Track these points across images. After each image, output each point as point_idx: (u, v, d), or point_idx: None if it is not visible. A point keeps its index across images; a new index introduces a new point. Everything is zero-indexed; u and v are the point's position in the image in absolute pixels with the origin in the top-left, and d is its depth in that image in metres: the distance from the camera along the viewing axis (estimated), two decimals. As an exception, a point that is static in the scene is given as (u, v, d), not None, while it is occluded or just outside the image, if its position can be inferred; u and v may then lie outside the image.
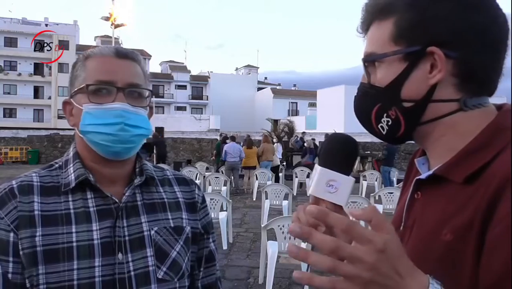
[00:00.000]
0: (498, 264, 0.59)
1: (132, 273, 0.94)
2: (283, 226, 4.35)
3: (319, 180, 0.76)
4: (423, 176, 0.77)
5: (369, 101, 0.79)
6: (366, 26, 0.80)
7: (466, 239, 0.64)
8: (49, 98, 48.52)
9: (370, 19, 0.79)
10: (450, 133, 0.74)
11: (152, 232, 0.99)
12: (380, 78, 0.76)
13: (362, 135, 19.53)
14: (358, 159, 17.42)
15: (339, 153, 0.78)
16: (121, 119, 0.95)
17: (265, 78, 70.93)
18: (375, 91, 0.77)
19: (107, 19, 29.17)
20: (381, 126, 0.78)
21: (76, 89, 0.98)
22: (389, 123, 0.76)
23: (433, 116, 0.74)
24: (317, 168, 0.76)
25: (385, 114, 0.76)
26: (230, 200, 6.79)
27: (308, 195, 0.78)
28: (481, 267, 0.61)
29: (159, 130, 15.07)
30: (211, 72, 60.54)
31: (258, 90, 58.02)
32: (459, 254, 0.64)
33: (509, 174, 0.61)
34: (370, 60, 0.78)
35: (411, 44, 0.72)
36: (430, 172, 0.75)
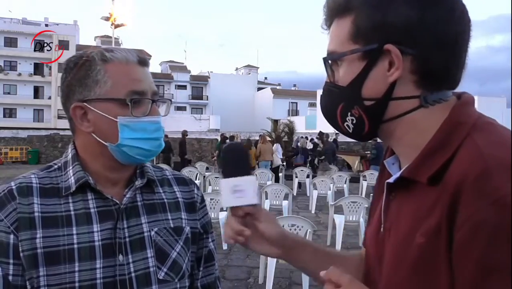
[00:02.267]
0: (470, 264, 0.59)
1: (133, 274, 0.94)
2: (283, 226, 4.34)
3: (225, 191, 0.82)
4: (391, 180, 0.76)
5: (333, 100, 0.79)
6: (328, 23, 0.80)
7: (437, 242, 0.64)
8: (49, 98, 48.48)
9: (330, 16, 0.79)
10: (412, 131, 0.74)
11: (152, 233, 0.99)
12: (342, 77, 0.76)
13: (362, 135, 19.45)
14: (358, 158, 17.43)
15: (230, 160, 0.84)
16: (159, 134, 0.98)
17: (265, 78, 70.93)
18: (338, 90, 0.77)
19: (107, 19, 29.20)
20: (347, 125, 0.78)
21: (102, 97, 0.93)
22: (354, 121, 0.77)
23: (395, 114, 0.74)
24: (220, 181, 0.82)
25: (349, 113, 0.76)
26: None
27: (224, 208, 0.82)
28: (455, 269, 0.61)
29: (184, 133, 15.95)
30: (211, 72, 60.53)
31: (258, 90, 58.03)
32: (432, 257, 0.64)
33: (464, 175, 0.61)
34: (331, 59, 0.78)
35: (369, 42, 0.72)
36: (397, 175, 0.75)
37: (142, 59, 0.98)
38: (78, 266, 0.89)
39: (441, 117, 0.71)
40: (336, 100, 0.78)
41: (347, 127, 0.78)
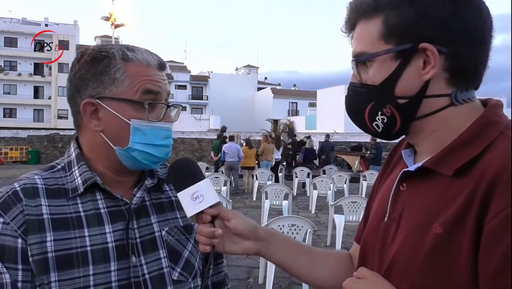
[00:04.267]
0: (498, 253, 0.60)
1: (147, 276, 0.91)
2: (283, 226, 4.35)
3: (184, 202, 0.84)
4: (411, 168, 0.77)
5: (361, 101, 0.80)
6: (350, 25, 0.81)
7: (458, 232, 0.65)
8: (49, 98, 48.48)
9: (355, 18, 0.79)
10: (442, 128, 0.75)
11: (163, 233, 0.97)
12: (373, 77, 0.77)
13: (362, 135, 19.53)
14: (358, 158, 17.42)
15: (180, 174, 0.87)
16: (169, 141, 0.95)
17: (265, 78, 70.90)
18: (367, 90, 0.78)
19: (107, 19, 29.18)
20: (376, 124, 0.79)
21: (118, 97, 0.89)
22: (385, 120, 0.77)
23: (428, 111, 0.75)
24: (178, 195, 0.86)
25: (379, 112, 0.77)
26: (230, 200, 6.79)
27: (188, 218, 0.85)
28: (481, 257, 0.62)
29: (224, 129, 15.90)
30: (211, 72, 60.50)
31: (258, 90, 58.00)
32: (451, 247, 0.66)
33: (501, 168, 0.63)
34: (361, 60, 0.79)
35: (401, 41, 0.73)
36: (419, 164, 0.76)
37: (162, 64, 0.95)
38: (92, 269, 0.85)
39: (469, 116, 0.74)
40: (365, 100, 0.79)
41: (375, 127, 0.79)
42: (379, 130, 0.79)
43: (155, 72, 0.93)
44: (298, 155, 17.22)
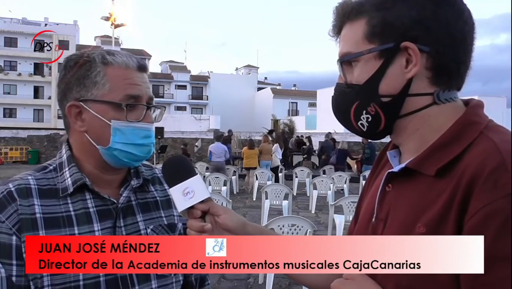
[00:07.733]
0: None
1: None
2: (283, 226, 4.35)
3: (176, 197, 0.86)
4: (395, 169, 0.79)
5: (347, 100, 0.81)
6: (338, 28, 0.83)
7: (440, 231, 0.66)
8: (49, 98, 48.42)
9: (341, 21, 0.81)
10: (424, 126, 0.76)
11: (149, 230, 1.02)
12: (357, 76, 0.78)
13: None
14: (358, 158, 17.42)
15: (172, 170, 0.89)
16: (149, 140, 0.99)
17: (265, 78, 70.90)
18: (352, 90, 0.79)
19: (107, 19, 29.21)
20: (361, 124, 0.80)
21: (99, 99, 0.94)
22: (369, 119, 0.79)
23: (410, 110, 0.76)
24: (169, 191, 0.87)
25: (364, 111, 0.78)
26: (230, 200, 6.78)
27: (179, 213, 0.87)
28: None
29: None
30: (211, 72, 60.50)
31: (258, 90, 58.00)
32: None
33: (480, 167, 0.64)
34: (346, 60, 0.80)
35: (385, 41, 0.75)
36: (403, 165, 0.77)
37: (142, 65, 0.99)
38: None
39: (451, 115, 0.75)
40: (350, 99, 0.80)
41: (360, 126, 0.80)
42: (364, 130, 0.80)
43: (135, 74, 0.98)
44: (297, 155, 17.19)
